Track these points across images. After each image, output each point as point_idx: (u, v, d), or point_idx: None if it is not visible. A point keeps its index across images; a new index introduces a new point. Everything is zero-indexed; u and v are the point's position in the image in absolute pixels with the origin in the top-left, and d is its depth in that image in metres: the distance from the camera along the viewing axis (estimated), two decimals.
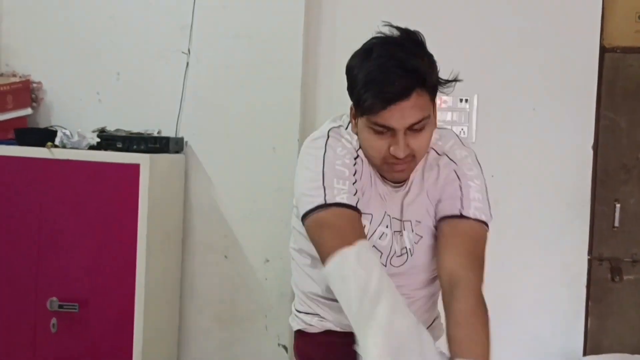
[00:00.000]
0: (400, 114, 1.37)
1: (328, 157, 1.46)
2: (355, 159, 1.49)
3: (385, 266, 1.53)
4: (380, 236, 1.53)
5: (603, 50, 2.87)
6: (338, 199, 1.41)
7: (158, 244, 2.73)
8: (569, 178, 2.89)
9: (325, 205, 1.40)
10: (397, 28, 1.46)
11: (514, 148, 2.91)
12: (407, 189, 1.56)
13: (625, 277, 2.90)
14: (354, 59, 1.46)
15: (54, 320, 2.64)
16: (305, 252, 1.64)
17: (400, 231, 1.55)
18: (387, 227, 1.53)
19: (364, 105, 1.39)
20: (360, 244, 1.37)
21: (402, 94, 1.35)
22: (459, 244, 1.48)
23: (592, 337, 2.91)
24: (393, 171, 1.47)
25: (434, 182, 1.55)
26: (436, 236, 1.56)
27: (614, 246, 2.90)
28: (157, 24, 3.01)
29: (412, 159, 1.45)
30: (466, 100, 2.92)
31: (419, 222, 1.56)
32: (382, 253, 1.53)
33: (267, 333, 2.97)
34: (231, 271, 3.00)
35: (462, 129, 2.92)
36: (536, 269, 2.91)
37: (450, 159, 1.57)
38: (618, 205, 2.89)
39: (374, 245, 1.52)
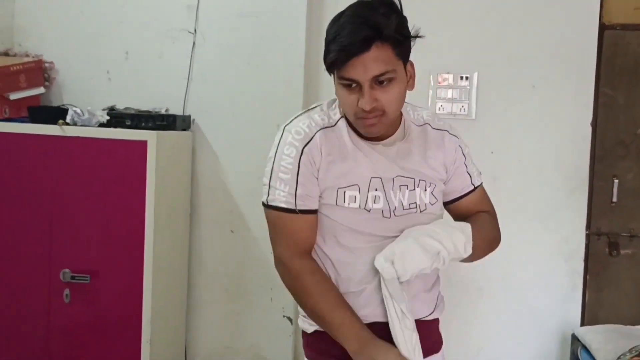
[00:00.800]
0: (363, 67, 1.46)
1: (277, 156, 1.58)
2: (308, 143, 1.57)
3: (389, 218, 1.61)
4: (375, 200, 1.60)
5: (602, 27, 2.90)
6: (276, 203, 1.57)
7: (165, 217, 2.82)
8: (568, 154, 2.93)
9: (266, 205, 1.60)
10: None
11: (513, 125, 2.96)
12: (396, 149, 1.63)
13: (622, 252, 2.95)
14: (327, 27, 1.54)
15: (67, 291, 2.75)
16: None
17: (406, 185, 1.62)
18: (376, 190, 1.60)
19: (329, 61, 1.49)
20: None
21: (361, 47, 1.44)
22: (481, 201, 1.80)
23: (589, 309, 2.97)
24: (364, 125, 1.54)
25: (437, 152, 1.68)
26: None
27: (612, 221, 2.95)
28: (165, 4, 3.08)
29: (383, 113, 1.52)
30: (466, 78, 2.96)
31: (434, 184, 1.67)
32: (382, 210, 1.60)
33: (272, 305, 3.06)
34: (237, 245, 3.08)
35: (463, 106, 2.97)
36: (535, 244, 2.97)
37: (452, 134, 1.73)
38: (616, 181, 2.93)
39: (370, 210, 1.59)
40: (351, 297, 1.61)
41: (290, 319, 3.05)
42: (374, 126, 1.54)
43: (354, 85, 1.49)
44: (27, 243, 2.79)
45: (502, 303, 3.01)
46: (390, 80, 1.49)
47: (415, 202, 1.64)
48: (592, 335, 2.67)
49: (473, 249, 1.61)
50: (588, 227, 2.95)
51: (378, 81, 1.48)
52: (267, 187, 1.59)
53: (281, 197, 1.57)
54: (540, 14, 2.90)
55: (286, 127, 1.61)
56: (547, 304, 2.97)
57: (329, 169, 1.58)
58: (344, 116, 1.61)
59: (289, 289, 1.63)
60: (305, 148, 1.56)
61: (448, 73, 2.97)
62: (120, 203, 2.73)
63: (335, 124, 1.61)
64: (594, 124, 2.92)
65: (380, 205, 1.60)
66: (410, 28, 1.55)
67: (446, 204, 1.77)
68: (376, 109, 1.50)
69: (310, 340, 1.71)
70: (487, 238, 1.71)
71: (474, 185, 1.77)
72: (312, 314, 1.61)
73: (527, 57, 2.92)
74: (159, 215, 2.74)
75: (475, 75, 2.96)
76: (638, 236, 2.95)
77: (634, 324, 2.82)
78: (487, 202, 1.83)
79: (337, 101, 1.62)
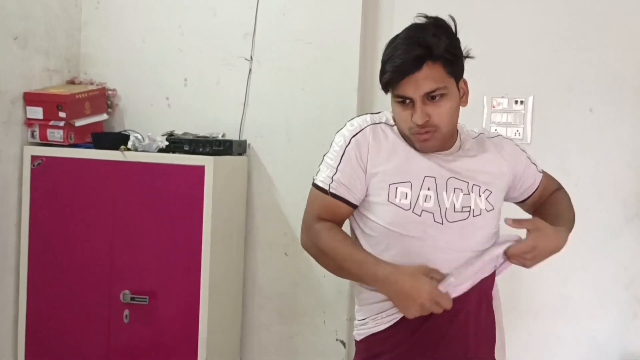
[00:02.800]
0: (415, 84, 1.55)
1: (331, 145, 1.75)
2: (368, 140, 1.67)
3: (442, 223, 1.63)
4: (425, 199, 1.63)
5: None
6: (316, 181, 1.74)
7: (221, 240, 2.88)
8: (627, 180, 2.86)
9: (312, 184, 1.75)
10: (427, 16, 1.63)
11: (570, 149, 2.91)
12: (452, 157, 1.69)
13: None
14: (385, 48, 1.64)
15: (126, 312, 2.83)
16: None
17: (460, 189, 1.66)
18: (428, 189, 1.63)
19: (384, 81, 1.59)
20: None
21: (413, 66, 1.53)
22: (548, 185, 1.93)
23: None
24: (418, 140, 1.61)
25: (496, 158, 1.75)
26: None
27: None
28: (222, 32, 3.16)
29: (435, 129, 1.59)
30: (521, 102, 2.94)
31: (490, 191, 1.69)
32: (432, 214, 1.63)
33: (325, 328, 3.08)
34: (291, 268, 3.12)
35: (517, 131, 2.95)
36: (593, 271, 2.90)
37: (506, 138, 1.85)
38: None
39: (420, 213, 1.62)
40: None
41: (343, 343, 3.06)
42: (427, 141, 1.60)
43: (407, 101, 1.57)
44: (90, 264, 2.89)
45: (558, 331, 2.95)
46: (442, 96, 1.56)
47: (470, 206, 1.65)
48: None
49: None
50: None
51: (430, 97, 1.56)
52: (318, 169, 1.74)
53: (320, 177, 1.70)
54: (597, 37, 2.86)
55: (347, 122, 1.74)
56: (605, 332, 2.90)
57: (379, 163, 1.64)
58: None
59: (311, 253, 1.76)
60: (353, 139, 1.67)
61: (502, 97, 2.96)
62: (178, 226, 2.80)
63: (392, 125, 1.69)
64: None
65: (430, 204, 1.62)
66: (464, 48, 1.63)
67: (523, 201, 1.90)
68: (429, 124, 1.57)
69: (361, 348, 1.76)
70: (569, 218, 1.88)
71: (540, 173, 1.89)
72: (334, 265, 1.71)
73: (584, 80, 2.88)
74: (215, 238, 2.80)
75: (531, 99, 2.93)
76: None
77: None
78: (553, 180, 1.95)
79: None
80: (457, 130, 1.73)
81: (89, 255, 2.89)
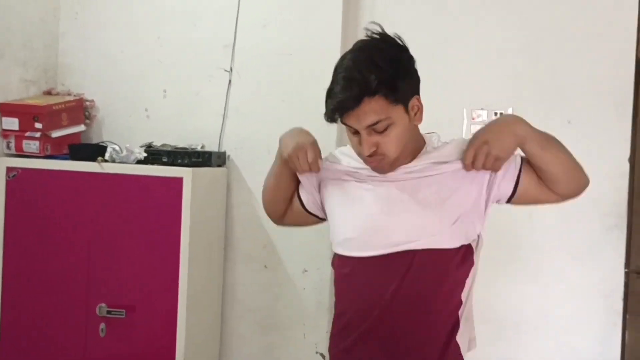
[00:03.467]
0: (356, 119, 1.54)
1: None
2: None
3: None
4: None
5: (639, 61, 2.87)
6: None
7: (200, 253, 2.85)
8: (606, 190, 2.88)
9: None
10: (373, 35, 1.61)
11: None
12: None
13: None
14: (335, 66, 1.63)
15: (102, 325, 2.79)
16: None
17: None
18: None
19: (326, 115, 1.60)
20: None
21: (350, 105, 1.53)
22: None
23: (629, 349, 2.88)
24: (371, 167, 1.63)
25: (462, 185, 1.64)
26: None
27: None
28: (201, 44, 3.15)
29: (383, 157, 1.58)
30: (501, 114, 2.95)
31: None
32: None
33: (305, 341, 3.06)
34: (271, 280, 3.10)
35: None
36: (572, 282, 2.91)
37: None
38: None
39: None
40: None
41: (323, 356, 3.04)
42: (378, 168, 1.62)
43: (354, 130, 1.58)
44: (66, 277, 2.85)
45: (539, 343, 2.95)
46: (386, 126, 1.55)
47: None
48: None
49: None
50: (627, 265, 2.88)
51: (376, 130, 1.55)
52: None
53: None
54: (575, 50, 2.89)
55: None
56: (585, 343, 2.90)
57: None
58: None
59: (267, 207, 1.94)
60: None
61: (482, 109, 2.97)
62: (156, 238, 2.77)
63: None
64: (632, 160, 2.87)
65: None
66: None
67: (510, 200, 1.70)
68: (376, 152, 1.58)
69: None
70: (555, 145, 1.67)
71: (518, 170, 1.66)
72: (272, 192, 1.89)
73: (562, 92, 2.91)
74: (194, 251, 2.77)
75: (510, 111, 2.94)
76: None
77: None
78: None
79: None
80: (424, 143, 1.69)
81: (65, 268, 2.85)
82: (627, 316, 2.88)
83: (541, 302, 2.93)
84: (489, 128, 1.61)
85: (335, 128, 2.99)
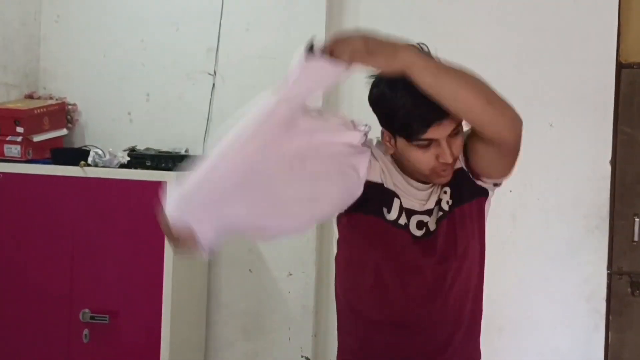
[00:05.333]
0: (443, 128, 1.52)
1: None
2: None
3: None
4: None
5: (620, 66, 2.91)
6: None
7: (184, 257, 2.83)
8: (588, 193, 2.91)
9: None
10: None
11: (531, 164, 2.93)
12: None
13: None
14: (380, 89, 1.57)
15: (86, 331, 2.76)
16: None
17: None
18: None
19: (412, 129, 1.53)
20: None
21: (442, 115, 1.50)
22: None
23: (612, 350, 2.91)
24: (441, 177, 1.61)
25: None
26: None
27: (634, 260, 2.92)
28: (185, 47, 3.14)
29: (454, 162, 1.60)
30: None
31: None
32: None
33: (290, 344, 3.05)
34: (255, 284, 3.09)
35: None
36: (555, 283, 2.94)
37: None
38: (637, 220, 2.90)
39: None
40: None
41: (308, 359, 3.03)
42: (447, 176, 1.60)
43: (428, 144, 1.54)
44: (48, 283, 2.82)
45: (523, 343, 2.97)
46: (457, 132, 1.56)
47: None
48: None
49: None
50: (609, 266, 2.92)
51: (451, 136, 1.54)
52: None
53: None
54: (557, 54, 2.92)
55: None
56: (568, 344, 2.93)
57: None
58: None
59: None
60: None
61: None
62: (140, 243, 2.75)
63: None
64: (613, 162, 2.91)
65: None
66: None
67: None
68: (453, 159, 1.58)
69: None
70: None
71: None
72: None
73: (544, 96, 2.93)
74: (178, 255, 2.76)
75: None
76: None
77: None
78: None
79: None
80: None
81: (48, 273, 2.82)
82: (610, 317, 2.92)
83: (524, 304, 2.95)
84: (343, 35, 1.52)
85: None
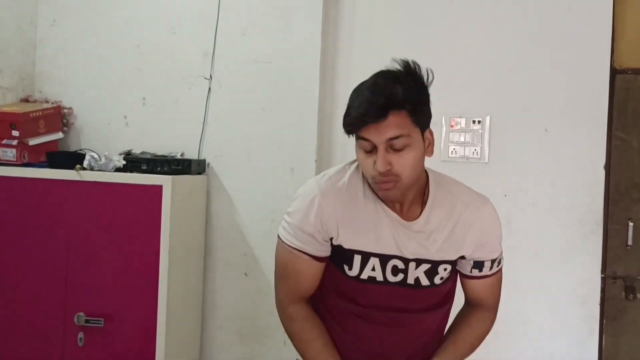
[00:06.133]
0: (377, 131, 1.51)
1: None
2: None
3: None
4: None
5: (614, 71, 2.92)
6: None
7: (180, 261, 2.84)
8: (582, 197, 2.92)
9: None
10: (402, 62, 1.59)
11: (526, 168, 2.96)
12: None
13: (639, 295, 2.91)
14: (351, 93, 1.60)
15: (80, 334, 2.76)
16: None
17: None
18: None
19: (348, 123, 1.56)
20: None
21: (377, 115, 1.50)
22: (486, 289, 1.83)
23: (606, 354, 2.92)
24: (380, 189, 1.58)
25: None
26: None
27: (628, 264, 2.92)
28: (181, 52, 3.15)
29: (398, 178, 1.54)
30: (479, 122, 2.98)
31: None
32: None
33: (286, 348, 3.04)
34: (251, 288, 3.09)
35: (475, 150, 2.98)
36: (550, 288, 2.94)
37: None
38: (631, 224, 2.91)
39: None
40: None
41: None
42: (389, 190, 1.57)
43: (370, 148, 1.54)
44: (43, 286, 2.82)
45: (517, 348, 2.97)
46: (405, 145, 1.53)
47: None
48: None
49: None
50: (603, 270, 2.92)
51: (393, 147, 1.52)
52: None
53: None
54: (552, 59, 2.93)
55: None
56: (563, 349, 2.93)
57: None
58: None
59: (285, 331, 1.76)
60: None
61: (460, 117, 3.00)
62: (136, 247, 2.75)
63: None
64: (608, 167, 2.92)
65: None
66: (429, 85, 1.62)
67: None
68: (391, 172, 1.53)
69: None
70: (464, 351, 1.81)
71: (491, 273, 1.79)
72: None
73: (540, 101, 2.94)
74: (174, 259, 2.76)
75: (488, 119, 2.98)
76: None
77: None
78: (497, 293, 1.87)
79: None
80: (427, 185, 1.68)
81: (43, 276, 2.82)
82: (604, 321, 2.92)
83: (519, 308, 2.95)
84: None
85: (314, 139, 3.04)
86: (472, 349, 1.79)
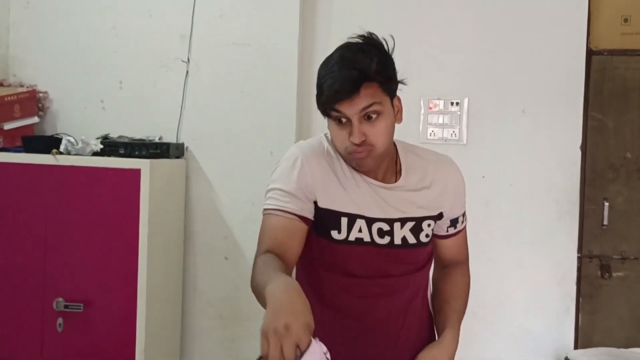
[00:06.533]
0: (350, 104, 1.53)
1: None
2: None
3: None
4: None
5: (590, 52, 2.95)
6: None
7: (159, 245, 2.82)
8: (559, 178, 2.96)
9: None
10: (361, 36, 1.61)
11: (504, 149, 2.99)
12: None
13: (614, 274, 2.97)
14: (318, 69, 1.61)
15: (60, 320, 2.74)
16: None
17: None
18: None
19: (321, 104, 1.57)
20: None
21: (350, 90, 1.52)
22: (459, 245, 1.87)
23: (582, 332, 2.97)
24: (355, 159, 1.60)
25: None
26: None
27: (603, 244, 2.97)
28: (158, 34, 3.11)
29: (372, 148, 1.57)
30: (457, 104, 3.00)
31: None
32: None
33: None
34: (232, 272, 3.09)
35: (454, 132, 3.00)
36: (527, 267, 2.98)
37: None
38: (607, 204, 2.96)
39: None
40: None
41: None
42: (363, 159, 1.59)
43: (344, 120, 1.56)
44: (21, 272, 2.79)
45: (495, 327, 3.02)
46: (377, 114, 1.56)
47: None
48: (585, 359, 2.67)
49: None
50: (580, 250, 2.97)
51: (366, 116, 1.55)
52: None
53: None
54: (529, 41, 2.95)
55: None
56: (540, 327, 2.98)
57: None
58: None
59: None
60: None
61: (439, 99, 3.01)
62: (114, 231, 2.73)
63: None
64: (584, 148, 2.95)
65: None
66: (398, 58, 1.63)
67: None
68: (365, 143, 1.56)
69: None
70: (459, 308, 1.80)
71: (459, 230, 1.82)
72: (254, 288, 1.50)
73: (517, 83, 2.97)
74: (153, 243, 2.75)
75: (466, 100, 3.00)
76: (629, 259, 2.97)
77: (627, 347, 2.82)
78: (465, 247, 1.90)
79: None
80: (397, 153, 1.71)
81: (20, 262, 2.79)
82: (580, 299, 2.97)
83: (497, 288, 2.99)
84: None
85: (293, 122, 3.03)
86: (466, 304, 1.82)
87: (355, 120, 1.54)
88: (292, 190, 1.61)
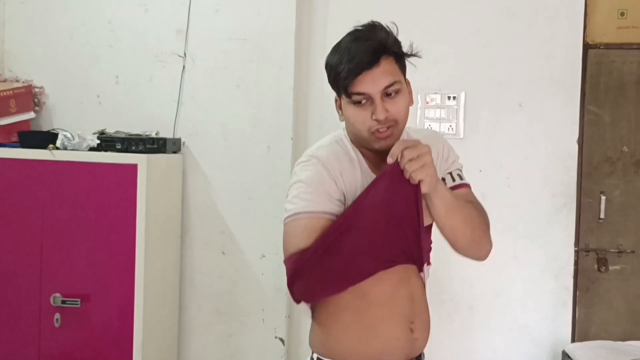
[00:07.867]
0: (372, 80, 1.55)
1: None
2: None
3: None
4: None
5: (586, 46, 2.95)
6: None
7: (156, 240, 2.82)
8: (555, 171, 2.96)
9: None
10: (366, 24, 1.64)
11: (501, 143, 2.99)
12: None
13: (611, 268, 2.98)
14: (328, 56, 1.64)
15: (57, 315, 2.74)
16: None
17: None
18: None
19: (340, 79, 1.57)
20: None
21: (371, 61, 1.54)
22: (471, 196, 1.83)
23: (579, 325, 2.98)
24: (378, 139, 1.60)
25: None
26: None
27: (600, 237, 2.98)
28: (154, 29, 3.11)
29: (395, 124, 1.59)
30: (454, 98, 3.00)
31: None
32: None
33: (264, 326, 3.06)
34: (229, 266, 3.09)
35: (451, 126, 3.00)
36: (524, 261, 2.99)
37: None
38: (603, 198, 2.96)
39: None
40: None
41: (282, 340, 3.05)
42: (388, 137, 1.60)
43: (364, 101, 1.57)
44: (18, 268, 2.79)
45: (492, 320, 3.03)
46: (397, 91, 1.58)
47: None
48: (582, 352, 2.68)
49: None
50: (577, 243, 2.98)
51: (387, 93, 1.57)
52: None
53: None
54: (526, 35, 2.95)
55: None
56: (537, 320, 2.99)
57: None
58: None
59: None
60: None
61: (436, 93, 3.01)
62: (111, 227, 2.73)
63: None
64: (581, 141, 2.96)
65: None
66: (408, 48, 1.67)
67: None
68: (388, 119, 1.58)
69: None
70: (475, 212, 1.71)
71: (461, 182, 1.80)
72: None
73: (514, 76, 2.97)
74: (150, 238, 2.75)
75: (463, 94, 2.99)
76: (626, 252, 2.97)
77: (623, 340, 2.84)
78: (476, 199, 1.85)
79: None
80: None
81: (18, 258, 2.78)
82: (577, 293, 2.98)
83: (494, 281, 3.00)
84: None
85: (290, 116, 3.03)
86: (472, 215, 1.68)
87: (377, 98, 1.56)
88: (327, 189, 1.61)
